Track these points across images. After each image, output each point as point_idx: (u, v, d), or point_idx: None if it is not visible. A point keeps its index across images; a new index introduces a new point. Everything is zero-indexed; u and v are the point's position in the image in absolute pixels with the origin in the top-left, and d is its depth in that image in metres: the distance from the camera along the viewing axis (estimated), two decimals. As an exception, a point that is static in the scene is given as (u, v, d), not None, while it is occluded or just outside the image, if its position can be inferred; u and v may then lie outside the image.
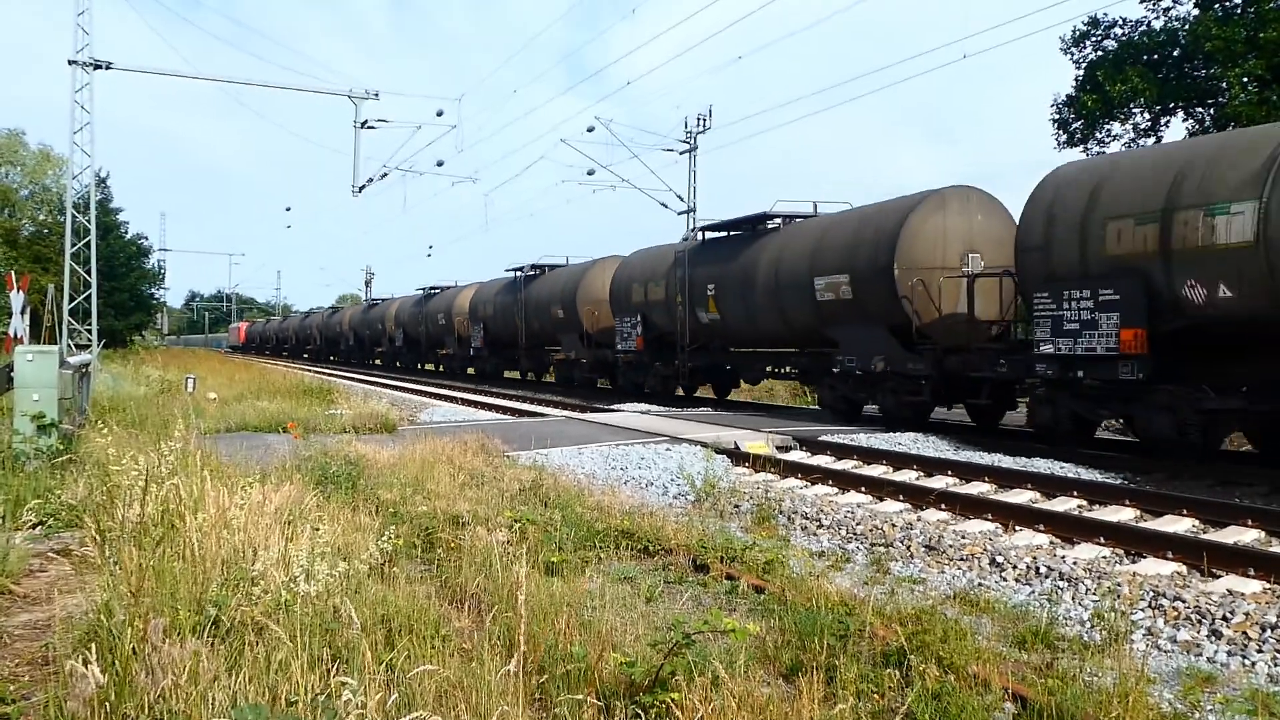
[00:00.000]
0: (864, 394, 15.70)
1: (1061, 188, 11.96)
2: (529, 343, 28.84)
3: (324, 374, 33.79)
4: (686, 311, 19.62)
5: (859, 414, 16.05)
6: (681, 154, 35.09)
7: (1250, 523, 7.65)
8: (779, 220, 17.93)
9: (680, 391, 22.04)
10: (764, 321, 17.64)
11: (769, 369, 18.80)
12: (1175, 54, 21.33)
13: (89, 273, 28.95)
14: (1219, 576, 6.23)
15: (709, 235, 20.16)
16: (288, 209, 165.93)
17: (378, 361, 47.59)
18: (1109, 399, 11.77)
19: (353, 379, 32.10)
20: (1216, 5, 20.53)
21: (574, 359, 26.03)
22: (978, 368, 13.42)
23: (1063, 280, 11.63)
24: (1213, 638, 5.14)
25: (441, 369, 38.24)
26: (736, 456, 11.76)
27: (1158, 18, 22.07)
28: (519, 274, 29.59)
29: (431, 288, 38.96)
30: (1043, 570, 6.48)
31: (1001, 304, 14.12)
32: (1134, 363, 10.97)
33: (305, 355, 62.72)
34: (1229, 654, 4.90)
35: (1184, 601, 5.60)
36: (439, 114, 31.17)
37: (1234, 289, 9.82)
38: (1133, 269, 10.84)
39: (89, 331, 29.20)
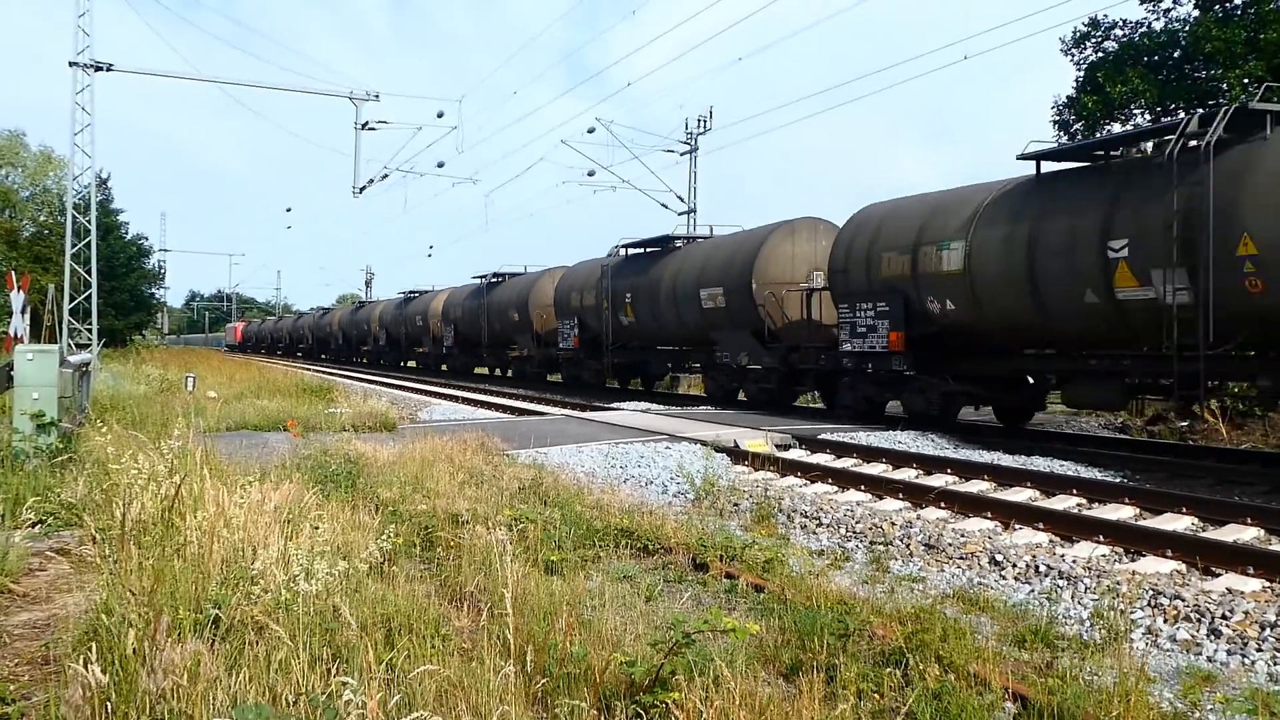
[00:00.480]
0: (735, 383, 19.87)
1: (857, 225, 15.95)
2: (491, 341, 32.71)
3: (324, 373, 33.82)
4: (610, 315, 23.29)
5: (735, 399, 20.06)
6: (682, 155, 35.10)
7: (1250, 521, 7.66)
8: (680, 241, 22.45)
9: (613, 384, 26.02)
10: (667, 324, 21.45)
11: (669, 365, 23.52)
12: (1175, 55, 21.31)
13: (89, 273, 28.96)
14: (1218, 575, 6.23)
15: (630, 251, 23.75)
16: (288, 209, 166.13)
17: (364, 360, 50.03)
18: (888, 384, 15.46)
19: (351, 378, 32.10)
20: (1217, 6, 20.52)
21: (527, 355, 30.31)
22: (808, 361, 17.14)
23: (856, 295, 15.46)
24: (1212, 636, 5.14)
25: (418, 366, 42.39)
26: (736, 455, 11.76)
27: (1158, 19, 22.06)
28: (483, 280, 33.54)
29: (411, 292, 42.54)
30: (1042, 569, 6.48)
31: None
32: (900, 357, 14.66)
33: (299, 354, 64.46)
34: (1228, 653, 4.90)
35: (1183, 600, 5.60)
36: (439, 115, 31.22)
37: (956, 304, 13.62)
38: (896, 288, 14.70)
39: (89, 331, 29.21)
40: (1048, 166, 12.87)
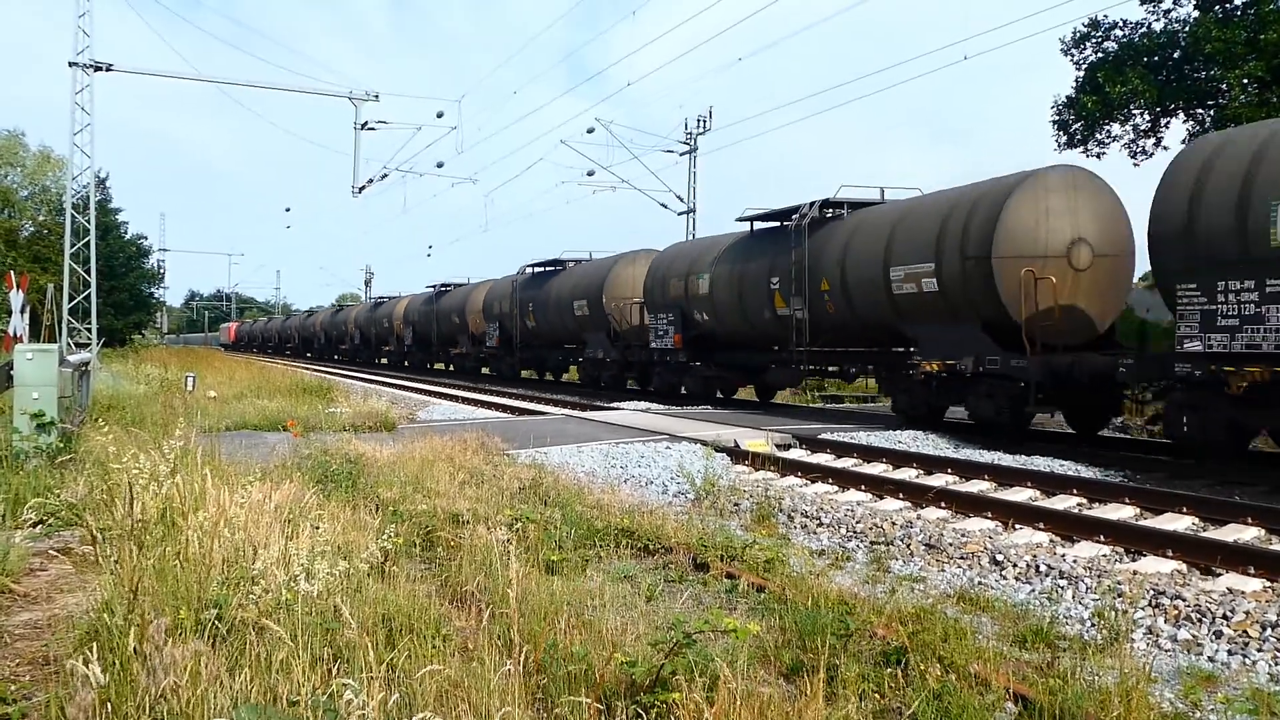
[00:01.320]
0: (596, 372, 24.76)
1: (661, 258, 22.67)
2: (440, 341, 38.16)
3: (325, 373, 33.79)
4: (518, 320, 29.13)
5: (597, 384, 24.38)
6: (682, 155, 35.15)
7: (1250, 520, 7.65)
8: (570, 263, 25.82)
9: (522, 374, 32.20)
10: (556, 327, 26.74)
11: (561, 358, 29.26)
12: (1175, 56, 21.31)
13: (88, 272, 28.96)
14: (1219, 575, 6.23)
15: (534, 270, 29.07)
16: (287, 209, 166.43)
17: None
18: (677, 371, 21.59)
19: (355, 378, 32.08)
20: (1216, 7, 20.52)
21: (465, 352, 34.99)
22: (635, 356, 23.35)
23: (658, 308, 21.75)
24: (1213, 636, 5.13)
25: (388, 363, 43.09)
26: (736, 454, 11.76)
27: (1158, 19, 22.06)
28: (434, 289, 38.86)
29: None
30: (1043, 569, 6.48)
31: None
32: (681, 352, 20.72)
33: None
34: (1229, 653, 4.89)
35: (1184, 600, 5.60)
36: (439, 115, 31.24)
37: (707, 316, 19.68)
38: (678, 304, 20.62)
39: (88, 330, 29.21)
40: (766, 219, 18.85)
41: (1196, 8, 21.00)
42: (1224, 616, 5.33)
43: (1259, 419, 10.61)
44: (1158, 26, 21.95)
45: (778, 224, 18.28)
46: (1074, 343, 13.20)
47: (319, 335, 58.11)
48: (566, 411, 18.14)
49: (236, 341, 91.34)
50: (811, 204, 16.96)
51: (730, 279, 18.80)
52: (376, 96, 30.41)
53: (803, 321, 16.73)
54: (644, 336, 22.38)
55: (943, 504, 8.60)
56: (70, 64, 27.80)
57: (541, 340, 28.50)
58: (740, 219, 18.84)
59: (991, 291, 13.16)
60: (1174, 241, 10.72)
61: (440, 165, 34.04)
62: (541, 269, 28.83)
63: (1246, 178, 9.97)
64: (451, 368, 39.43)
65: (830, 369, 18.02)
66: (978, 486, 9.75)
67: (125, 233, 49.36)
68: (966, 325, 13.74)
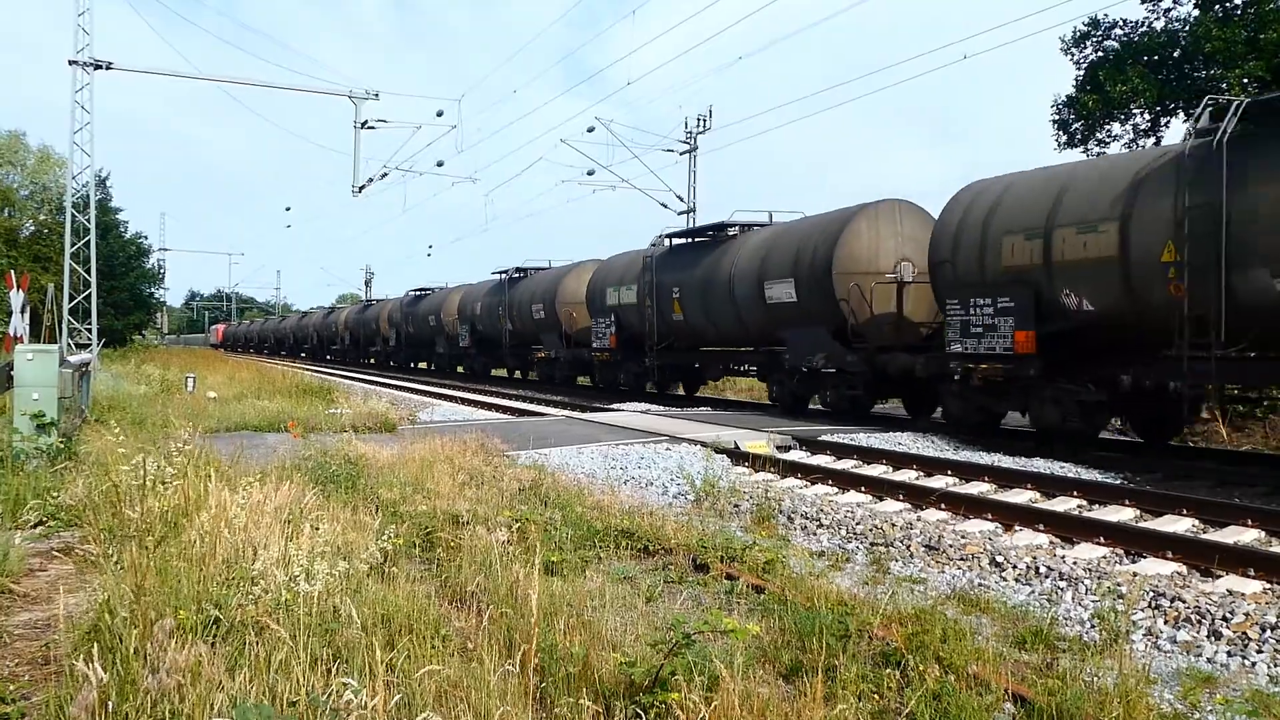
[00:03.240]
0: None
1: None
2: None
3: (323, 373, 33.81)
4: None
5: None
6: (682, 154, 35.10)
7: (1250, 522, 7.65)
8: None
9: (492, 372, 34.11)
10: (522, 327, 28.62)
11: (527, 357, 29.99)
12: (1176, 55, 21.30)
13: (89, 272, 28.95)
14: (1219, 576, 6.23)
15: (501, 277, 29.89)
16: (287, 209, 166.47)
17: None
18: (606, 369, 24.33)
19: (352, 379, 32.10)
20: (1217, 6, 20.51)
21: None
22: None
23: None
24: (1213, 638, 5.13)
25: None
26: (736, 456, 11.76)
27: (1158, 19, 22.05)
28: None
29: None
30: (1043, 570, 6.48)
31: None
32: (616, 351, 23.03)
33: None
34: (1229, 654, 4.89)
35: (1184, 602, 5.60)
36: (439, 114, 31.20)
37: (634, 321, 21.79)
38: (611, 310, 23.34)
39: (89, 330, 29.20)
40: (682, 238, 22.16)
41: (1197, 7, 20.99)
42: (1223, 618, 5.33)
43: (999, 405, 13.55)
44: (1158, 25, 21.94)
45: (688, 240, 21.58)
46: (902, 345, 15.56)
47: (312, 336, 60.01)
48: (566, 413, 18.14)
49: (224, 342, 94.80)
50: (707, 226, 20.60)
51: (648, 289, 21.63)
52: (376, 95, 30.40)
53: (696, 325, 19.87)
54: (589, 338, 24.63)
55: (943, 505, 8.60)
56: (70, 62, 27.80)
57: (508, 341, 30.84)
58: (660, 235, 22.40)
59: (833, 302, 15.99)
60: (944, 267, 13.71)
61: (440, 164, 33.99)
62: (508, 276, 31.22)
63: (988, 219, 13.04)
64: (431, 366, 42.24)
65: (720, 366, 21.08)
66: (978, 488, 9.75)
67: (125, 232, 49.35)
68: (818, 330, 16.55)
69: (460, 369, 37.17)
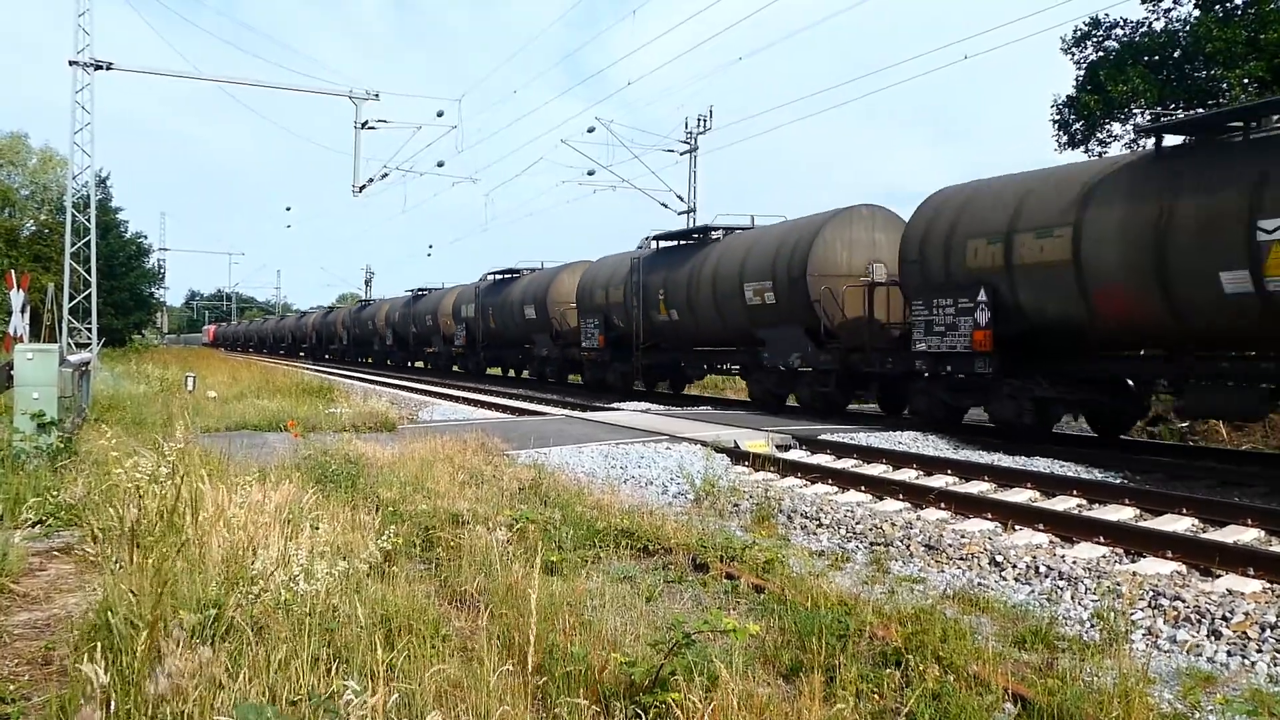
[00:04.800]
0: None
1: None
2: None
3: (323, 373, 33.81)
4: (481, 323, 30.44)
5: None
6: (682, 154, 35.11)
7: (1250, 522, 7.65)
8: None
9: (487, 370, 34.05)
10: (514, 327, 28.82)
11: (519, 356, 30.81)
12: (1176, 55, 21.30)
13: (89, 272, 28.96)
14: (1219, 576, 6.23)
15: (495, 278, 29.81)
16: (288, 209, 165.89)
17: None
18: (595, 367, 24.56)
19: (352, 378, 32.11)
20: (1217, 7, 20.51)
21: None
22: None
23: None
24: (1212, 637, 5.13)
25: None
26: (736, 455, 11.75)
27: (1158, 19, 22.04)
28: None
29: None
30: (1042, 569, 6.48)
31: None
32: (604, 351, 23.47)
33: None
34: (1229, 654, 4.89)
35: (1184, 601, 5.60)
36: (439, 114, 31.20)
37: (621, 321, 22.49)
38: (600, 310, 23.76)
39: (89, 330, 29.21)
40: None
41: (1197, 7, 20.99)
42: (1223, 617, 5.32)
43: (961, 400, 14.14)
44: (1159, 26, 21.94)
45: (674, 243, 22.07)
46: (875, 345, 15.87)
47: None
48: (566, 412, 18.14)
49: (215, 341, 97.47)
50: (691, 229, 20.77)
51: (635, 290, 21.99)
52: (377, 95, 30.39)
53: (679, 324, 20.42)
54: (579, 337, 25.16)
55: (942, 505, 8.60)
56: (70, 62, 27.80)
57: (501, 340, 31.22)
58: (647, 238, 22.95)
59: (808, 303, 16.58)
60: (911, 270, 14.38)
61: (440, 164, 33.97)
62: (501, 276, 31.65)
63: (953, 225, 13.67)
64: (428, 365, 43.00)
65: (703, 365, 21.64)
66: (977, 487, 9.75)
67: (125, 232, 49.38)
68: (795, 330, 17.07)
69: (456, 368, 37.79)
